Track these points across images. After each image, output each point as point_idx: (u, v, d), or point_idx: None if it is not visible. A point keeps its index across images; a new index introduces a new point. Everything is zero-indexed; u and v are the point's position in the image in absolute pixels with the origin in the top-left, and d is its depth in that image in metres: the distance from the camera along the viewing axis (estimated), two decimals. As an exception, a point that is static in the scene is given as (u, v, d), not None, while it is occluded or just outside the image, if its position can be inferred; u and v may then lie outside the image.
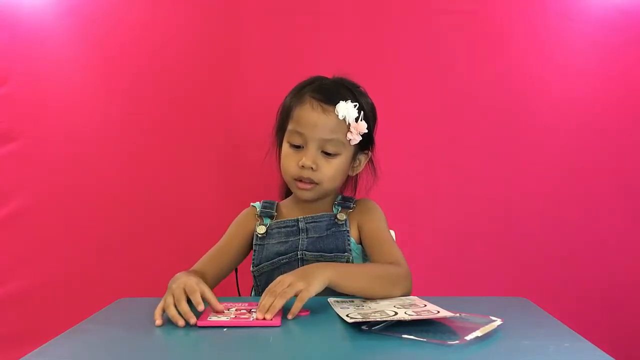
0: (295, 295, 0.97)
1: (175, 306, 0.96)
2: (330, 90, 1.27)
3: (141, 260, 1.68)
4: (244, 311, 1.00)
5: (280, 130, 1.33)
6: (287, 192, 1.41)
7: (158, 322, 0.95)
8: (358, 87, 1.32)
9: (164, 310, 0.97)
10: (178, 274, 1.19)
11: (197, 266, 1.27)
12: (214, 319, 0.95)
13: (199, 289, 0.99)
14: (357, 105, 1.24)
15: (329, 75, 1.34)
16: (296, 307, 0.95)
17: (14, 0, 1.65)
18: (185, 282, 1.01)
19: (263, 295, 0.98)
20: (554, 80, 1.68)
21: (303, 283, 0.98)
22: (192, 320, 0.93)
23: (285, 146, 1.29)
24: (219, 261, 1.29)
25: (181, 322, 0.93)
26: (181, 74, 1.68)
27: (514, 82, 1.68)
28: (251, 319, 0.95)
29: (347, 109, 1.22)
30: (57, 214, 1.68)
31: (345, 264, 1.22)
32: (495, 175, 1.69)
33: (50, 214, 1.67)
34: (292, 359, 0.84)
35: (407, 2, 1.67)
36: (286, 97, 1.32)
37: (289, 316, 0.95)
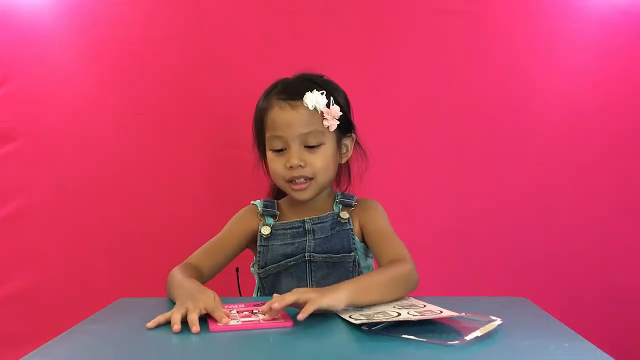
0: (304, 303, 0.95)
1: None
2: (293, 87, 1.27)
3: (141, 260, 1.68)
4: (247, 313, 0.99)
5: (260, 142, 1.33)
6: (277, 193, 1.40)
7: (149, 325, 0.94)
8: (322, 76, 1.32)
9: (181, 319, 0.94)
10: (175, 270, 1.19)
11: (192, 259, 1.26)
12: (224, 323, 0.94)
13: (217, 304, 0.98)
14: (324, 92, 1.24)
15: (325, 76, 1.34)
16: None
17: (13, 0, 1.65)
18: (206, 302, 0.98)
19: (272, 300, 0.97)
20: (554, 80, 1.67)
21: (315, 294, 0.96)
22: (195, 328, 0.91)
23: (269, 154, 1.29)
24: (215, 255, 1.28)
25: (177, 327, 0.91)
26: (181, 74, 1.67)
27: (515, 82, 1.68)
28: (260, 319, 0.95)
29: (314, 98, 1.22)
30: (57, 214, 1.68)
31: (356, 279, 1.19)
32: (495, 175, 1.69)
33: (50, 214, 1.67)
34: (291, 359, 0.84)
35: (407, 2, 1.67)
36: (255, 108, 1.33)
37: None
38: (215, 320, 0.95)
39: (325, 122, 1.24)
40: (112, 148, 1.68)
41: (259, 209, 1.33)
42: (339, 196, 1.35)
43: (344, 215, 1.30)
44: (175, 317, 0.93)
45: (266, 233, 1.29)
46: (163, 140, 1.68)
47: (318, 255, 1.26)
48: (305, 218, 1.30)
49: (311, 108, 1.22)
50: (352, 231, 1.29)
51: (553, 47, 1.67)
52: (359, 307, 1.01)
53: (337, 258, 1.27)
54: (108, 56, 1.67)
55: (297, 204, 1.32)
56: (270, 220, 1.31)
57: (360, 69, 1.64)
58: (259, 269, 1.29)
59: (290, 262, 1.27)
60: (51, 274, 1.68)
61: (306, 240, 1.28)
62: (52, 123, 1.67)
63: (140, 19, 1.67)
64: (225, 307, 1.01)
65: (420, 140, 1.69)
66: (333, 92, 1.28)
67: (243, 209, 1.36)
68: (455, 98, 1.68)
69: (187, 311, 0.95)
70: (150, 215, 1.69)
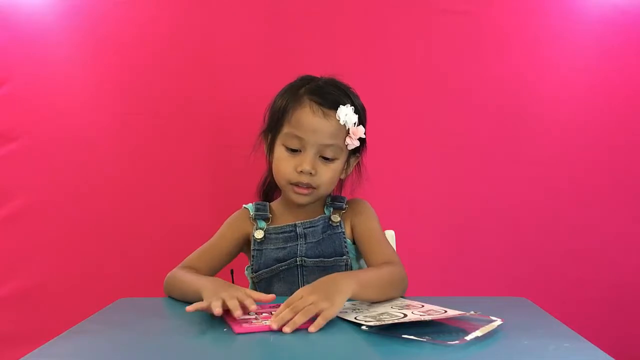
0: (318, 314, 0.94)
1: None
2: (329, 93, 1.23)
3: (141, 260, 1.68)
4: (266, 314, 0.99)
5: (272, 130, 1.28)
6: (266, 193, 1.39)
7: (188, 309, 0.96)
8: (350, 88, 1.29)
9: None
10: (176, 270, 1.20)
11: (188, 262, 1.26)
12: (246, 325, 0.94)
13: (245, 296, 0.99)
14: (355, 108, 1.22)
15: (320, 75, 1.31)
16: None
17: (13, 0, 1.65)
18: (238, 292, 1.00)
19: (282, 307, 0.96)
20: (554, 80, 1.68)
21: (327, 303, 0.95)
22: (238, 313, 0.94)
23: (280, 149, 1.25)
24: (210, 259, 1.28)
25: (218, 310, 0.94)
26: (181, 74, 1.67)
27: (514, 82, 1.68)
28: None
29: (347, 114, 1.20)
30: (57, 214, 1.68)
31: (359, 271, 1.21)
32: (495, 175, 1.69)
33: (50, 214, 1.67)
34: (291, 359, 0.84)
35: (407, 2, 1.67)
36: (278, 97, 1.28)
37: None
38: (238, 323, 0.94)
39: (347, 139, 1.22)
40: (112, 148, 1.68)
41: (251, 213, 1.31)
42: (330, 199, 1.33)
43: (335, 218, 1.29)
44: (215, 303, 0.95)
45: (260, 237, 1.27)
46: (162, 140, 1.68)
47: (309, 259, 1.24)
48: (296, 222, 1.27)
49: (342, 122, 1.20)
50: (343, 234, 1.28)
51: (553, 47, 1.67)
52: (359, 309, 1.01)
53: (330, 262, 1.25)
54: (107, 56, 1.67)
55: (289, 206, 1.30)
56: (263, 224, 1.29)
57: (359, 70, 1.64)
58: (252, 273, 1.28)
59: (281, 266, 1.25)
60: (51, 274, 1.68)
61: (297, 244, 1.26)
62: (51, 123, 1.67)
63: (139, 19, 1.67)
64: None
65: (421, 141, 1.69)
66: (360, 110, 1.25)
67: (235, 213, 1.34)
68: (454, 98, 1.68)
69: (224, 300, 0.96)
70: (150, 215, 1.69)
